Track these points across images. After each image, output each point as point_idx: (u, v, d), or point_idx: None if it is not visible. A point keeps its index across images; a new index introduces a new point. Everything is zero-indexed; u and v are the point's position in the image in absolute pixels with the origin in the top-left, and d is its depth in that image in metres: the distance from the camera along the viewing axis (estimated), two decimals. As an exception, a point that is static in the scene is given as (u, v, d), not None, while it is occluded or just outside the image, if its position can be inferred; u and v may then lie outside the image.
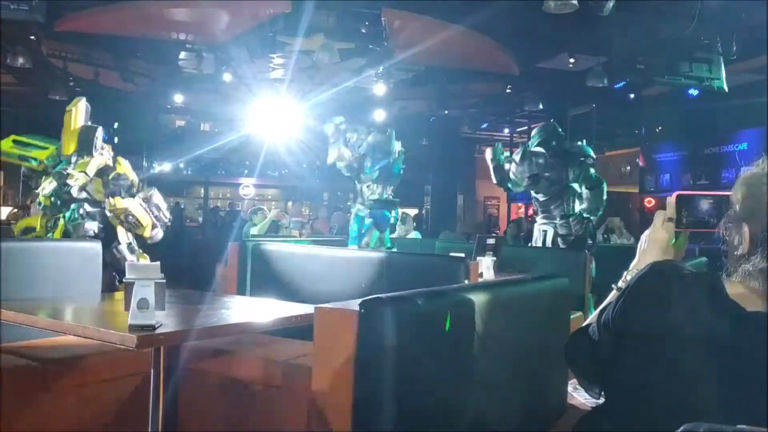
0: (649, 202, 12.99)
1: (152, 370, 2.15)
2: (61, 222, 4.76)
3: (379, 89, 11.33)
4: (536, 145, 6.04)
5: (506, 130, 17.53)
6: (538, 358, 2.03)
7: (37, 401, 2.54)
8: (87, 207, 4.80)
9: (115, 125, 12.08)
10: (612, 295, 1.48)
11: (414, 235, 8.90)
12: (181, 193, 17.73)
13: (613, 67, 9.13)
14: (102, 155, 4.87)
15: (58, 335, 2.56)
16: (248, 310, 2.65)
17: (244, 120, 12.10)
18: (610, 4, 6.23)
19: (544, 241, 5.99)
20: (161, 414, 2.14)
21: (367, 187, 5.96)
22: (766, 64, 9.01)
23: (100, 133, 4.91)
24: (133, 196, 4.96)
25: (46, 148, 4.92)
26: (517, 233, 10.05)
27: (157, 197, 5.08)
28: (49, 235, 4.75)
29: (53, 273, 3.05)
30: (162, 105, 14.42)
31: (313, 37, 8.80)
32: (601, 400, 1.38)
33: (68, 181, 4.65)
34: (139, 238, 4.94)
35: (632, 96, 12.46)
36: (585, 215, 5.94)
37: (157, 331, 1.82)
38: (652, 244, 1.48)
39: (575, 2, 6.10)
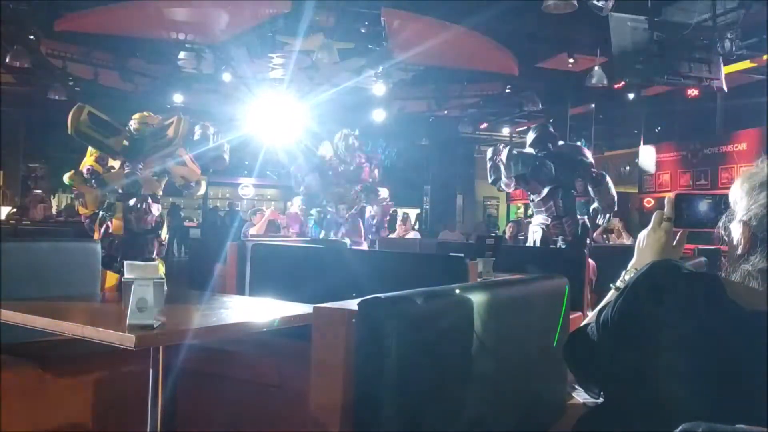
0: (648, 202, 12.98)
1: (151, 370, 2.14)
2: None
3: (379, 89, 11.33)
4: (529, 146, 6.04)
5: (506, 130, 17.53)
6: (537, 358, 2.03)
7: (37, 401, 2.54)
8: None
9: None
10: (610, 295, 1.47)
11: (413, 235, 8.91)
12: (180, 193, 17.68)
13: (613, 67, 9.12)
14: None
15: (57, 335, 2.56)
16: (247, 309, 2.65)
17: (243, 120, 12.10)
18: (610, 3, 6.24)
19: (537, 241, 5.99)
20: (160, 413, 2.14)
21: None
22: (766, 64, 9.03)
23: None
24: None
25: (119, 133, 4.91)
26: (517, 233, 10.06)
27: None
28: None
29: (53, 273, 3.05)
30: (161, 105, 14.41)
31: (312, 36, 8.81)
32: (601, 400, 1.38)
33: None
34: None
35: (632, 96, 12.46)
36: (580, 215, 5.96)
37: (156, 331, 1.82)
38: (650, 244, 1.48)
39: (575, 2, 6.10)
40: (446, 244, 6.24)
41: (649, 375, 1.22)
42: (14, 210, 13.13)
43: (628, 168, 14.23)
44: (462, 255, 3.09)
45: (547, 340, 2.05)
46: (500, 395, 1.80)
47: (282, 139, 12.24)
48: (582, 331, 1.39)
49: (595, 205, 6.02)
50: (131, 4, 8.56)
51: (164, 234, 5.08)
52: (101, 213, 4.88)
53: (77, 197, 5.19)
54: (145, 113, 5.06)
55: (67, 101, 11.67)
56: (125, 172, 4.88)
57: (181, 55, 10.35)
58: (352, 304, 1.49)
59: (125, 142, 4.86)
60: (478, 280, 3.20)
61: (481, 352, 1.66)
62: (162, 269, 4.77)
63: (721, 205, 1.36)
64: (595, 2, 6.18)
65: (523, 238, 9.64)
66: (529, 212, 17.03)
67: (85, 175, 4.94)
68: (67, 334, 1.99)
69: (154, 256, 4.88)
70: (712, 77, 7.71)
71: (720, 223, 1.33)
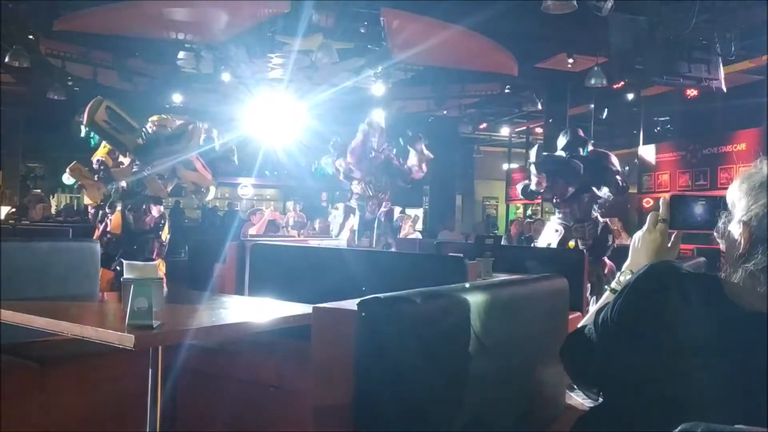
0: (648, 202, 12.98)
1: (150, 370, 2.15)
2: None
3: (378, 89, 11.33)
4: (560, 149, 6.02)
5: (505, 130, 17.53)
6: (536, 359, 2.03)
7: (37, 401, 2.54)
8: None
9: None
10: (606, 296, 1.48)
11: (414, 236, 8.90)
12: (180, 193, 17.68)
13: (613, 67, 9.13)
14: None
15: (57, 335, 2.56)
16: (246, 309, 2.65)
17: (242, 120, 12.10)
18: (609, 4, 6.24)
19: (555, 243, 5.93)
20: (159, 413, 2.14)
21: None
22: (765, 64, 9.03)
23: None
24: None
25: (134, 131, 4.92)
26: (521, 232, 10.06)
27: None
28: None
29: (53, 273, 3.04)
30: (160, 104, 14.41)
31: (311, 36, 8.81)
32: (600, 400, 1.38)
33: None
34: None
35: (631, 96, 12.47)
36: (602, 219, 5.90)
37: (155, 331, 1.82)
38: (645, 245, 1.49)
39: (575, 2, 6.10)
40: (445, 244, 6.23)
41: (649, 375, 1.22)
42: (13, 210, 13.13)
43: (627, 168, 14.23)
44: (461, 255, 3.10)
45: (546, 340, 2.05)
46: (499, 395, 1.80)
47: (281, 139, 12.26)
48: (580, 332, 1.39)
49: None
50: (130, 4, 8.55)
51: (165, 234, 5.08)
52: (102, 210, 4.91)
53: (79, 189, 5.25)
54: (164, 116, 5.09)
55: (66, 101, 11.68)
56: (133, 170, 4.89)
57: (180, 54, 10.35)
58: (352, 304, 1.49)
59: (139, 141, 4.88)
60: (478, 280, 3.20)
61: (481, 352, 1.66)
62: (162, 269, 4.78)
63: (716, 206, 1.36)
64: (594, 2, 6.19)
65: (525, 238, 9.64)
66: (529, 212, 17.04)
67: (94, 166, 4.97)
68: (67, 334, 1.99)
69: (154, 256, 4.89)
70: (711, 77, 7.72)
71: (719, 224, 1.32)
